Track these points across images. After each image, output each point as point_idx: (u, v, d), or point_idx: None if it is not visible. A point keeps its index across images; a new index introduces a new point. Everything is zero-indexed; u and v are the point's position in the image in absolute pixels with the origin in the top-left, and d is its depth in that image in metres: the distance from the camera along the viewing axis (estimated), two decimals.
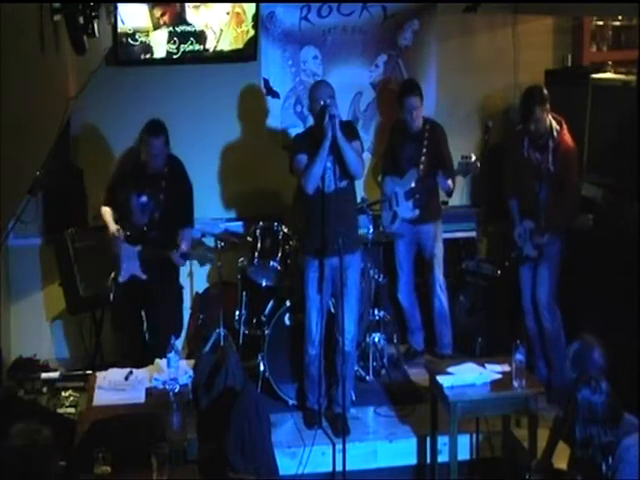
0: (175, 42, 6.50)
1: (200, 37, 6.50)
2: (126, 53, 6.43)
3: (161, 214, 5.90)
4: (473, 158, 5.95)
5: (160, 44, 6.43)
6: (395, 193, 6.49)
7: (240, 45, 6.61)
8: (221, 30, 6.54)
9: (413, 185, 6.37)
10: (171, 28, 6.40)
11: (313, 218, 5.61)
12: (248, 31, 6.58)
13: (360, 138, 5.74)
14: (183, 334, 6.97)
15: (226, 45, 6.57)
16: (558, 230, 5.86)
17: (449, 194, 6.43)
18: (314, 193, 5.55)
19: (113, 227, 5.85)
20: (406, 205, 6.43)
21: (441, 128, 6.45)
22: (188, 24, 6.44)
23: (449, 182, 6.21)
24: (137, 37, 6.41)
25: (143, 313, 6.09)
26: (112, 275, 5.94)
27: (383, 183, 6.62)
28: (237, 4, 6.50)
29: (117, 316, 6.11)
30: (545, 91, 5.83)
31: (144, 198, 5.86)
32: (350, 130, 5.62)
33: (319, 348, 5.72)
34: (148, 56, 6.39)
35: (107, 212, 5.94)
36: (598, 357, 4.33)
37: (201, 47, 6.55)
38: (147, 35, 6.42)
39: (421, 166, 6.35)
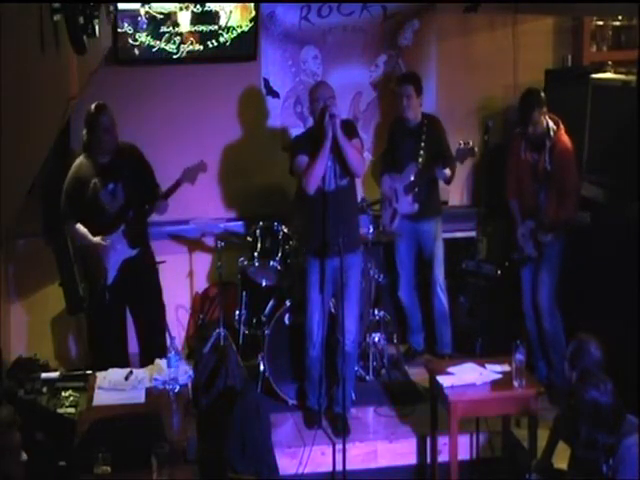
0: (175, 42, 6.51)
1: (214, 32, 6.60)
2: (126, 53, 6.44)
3: (131, 190, 5.90)
4: (470, 143, 6.02)
5: (185, 24, 6.52)
6: (394, 190, 6.49)
7: (247, 23, 6.61)
8: (230, 11, 6.56)
9: (412, 179, 6.37)
10: (193, 8, 6.50)
11: (314, 218, 5.61)
12: (251, 12, 6.62)
13: (359, 136, 5.75)
14: (183, 334, 6.99)
15: (235, 22, 6.57)
16: (560, 229, 5.86)
17: (447, 182, 6.42)
18: (315, 193, 5.55)
19: (97, 239, 5.85)
20: (405, 200, 6.43)
21: (439, 122, 6.47)
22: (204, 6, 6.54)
23: (446, 171, 6.23)
24: (137, 37, 6.42)
25: (130, 308, 6.11)
26: (102, 280, 5.92)
27: (382, 182, 6.62)
28: None
29: (104, 322, 6.07)
30: (542, 93, 5.86)
31: (111, 186, 5.86)
32: (349, 128, 5.63)
33: (320, 350, 5.72)
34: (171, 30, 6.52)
35: (78, 230, 5.88)
36: (595, 351, 4.35)
37: (201, 47, 6.56)
38: (147, 35, 6.43)
39: (420, 159, 6.36)
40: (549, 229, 5.86)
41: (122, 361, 5.76)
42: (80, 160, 5.93)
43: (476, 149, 6.09)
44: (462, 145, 6.08)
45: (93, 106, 5.82)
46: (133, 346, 6.17)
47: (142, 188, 5.96)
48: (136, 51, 6.46)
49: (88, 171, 5.87)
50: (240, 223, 6.88)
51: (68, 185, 5.91)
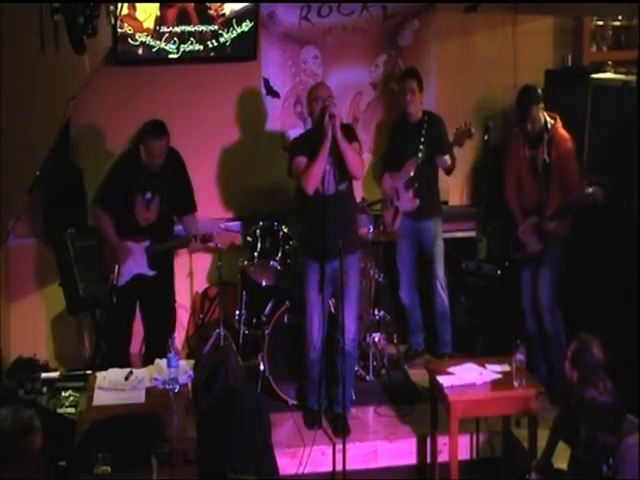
0: (175, 42, 6.51)
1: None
2: (126, 53, 6.44)
3: (167, 207, 5.94)
4: (466, 126, 6.02)
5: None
6: (395, 189, 6.49)
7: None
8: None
9: (412, 174, 6.37)
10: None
11: (313, 221, 5.61)
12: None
13: (359, 140, 5.74)
14: (183, 334, 6.99)
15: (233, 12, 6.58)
16: (564, 214, 5.83)
17: (448, 171, 6.40)
18: (314, 196, 5.55)
19: (120, 243, 5.88)
20: (406, 196, 6.43)
21: (440, 118, 6.48)
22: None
23: (446, 157, 6.21)
24: (137, 37, 6.41)
25: (140, 313, 6.11)
26: (112, 279, 5.92)
27: (382, 181, 6.61)
28: None
29: (110, 321, 6.09)
30: (539, 90, 5.89)
31: (148, 195, 5.89)
32: (349, 132, 5.63)
33: (320, 351, 5.72)
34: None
35: (106, 221, 5.92)
36: (597, 352, 4.36)
37: (201, 47, 6.56)
38: (147, 35, 6.43)
39: (420, 154, 6.35)
40: (553, 218, 5.82)
41: (124, 360, 5.76)
42: (129, 150, 5.90)
43: (473, 130, 6.04)
44: (458, 130, 6.09)
45: (151, 124, 5.80)
46: (132, 346, 6.18)
47: (178, 205, 6.00)
48: (136, 51, 6.45)
49: (133, 167, 5.87)
50: (240, 223, 6.88)
51: (111, 173, 5.91)
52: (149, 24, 6.43)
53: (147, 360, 5.88)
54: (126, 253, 5.89)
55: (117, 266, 5.83)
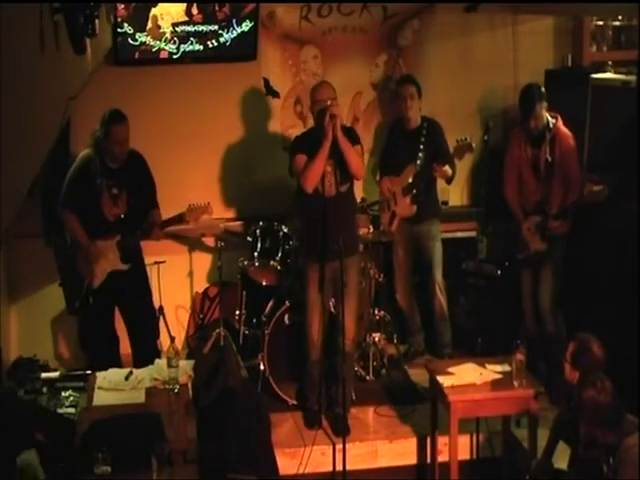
0: (175, 42, 6.51)
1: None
2: (126, 53, 6.44)
3: (133, 202, 5.92)
4: (467, 139, 6.05)
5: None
6: (393, 193, 6.49)
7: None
8: None
9: (410, 180, 6.37)
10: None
11: (314, 221, 5.61)
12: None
13: (360, 143, 5.73)
14: (183, 334, 6.99)
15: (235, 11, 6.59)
16: (568, 213, 5.83)
17: (448, 181, 6.41)
18: (315, 196, 5.54)
19: (90, 243, 5.86)
20: (404, 202, 6.43)
21: (439, 125, 6.47)
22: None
23: (446, 168, 6.21)
24: (137, 37, 6.41)
25: (121, 315, 6.11)
26: (87, 283, 5.91)
27: (381, 185, 6.61)
28: None
29: (91, 324, 6.07)
30: (542, 88, 5.91)
31: (114, 190, 5.86)
32: (351, 135, 5.62)
33: (320, 351, 5.72)
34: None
35: (74, 221, 5.90)
36: (597, 352, 4.36)
37: (201, 47, 6.56)
38: (147, 35, 6.43)
39: (418, 162, 6.35)
40: (557, 216, 5.82)
41: (114, 362, 5.74)
42: (88, 153, 5.89)
43: (473, 144, 6.09)
44: (459, 142, 6.10)
45: (109, 113, 5.78)
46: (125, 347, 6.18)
47: (143, 202, 5.97)
48: (136, 51, 6.45)
49: (95, 169, 5.85)
50: (240, 223, 6.88)
51: (73, 175, 5.87)
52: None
53: (137, 358, 5.87)
54: (97, 253, 5.87)
55: (91, 269, 5.84)
